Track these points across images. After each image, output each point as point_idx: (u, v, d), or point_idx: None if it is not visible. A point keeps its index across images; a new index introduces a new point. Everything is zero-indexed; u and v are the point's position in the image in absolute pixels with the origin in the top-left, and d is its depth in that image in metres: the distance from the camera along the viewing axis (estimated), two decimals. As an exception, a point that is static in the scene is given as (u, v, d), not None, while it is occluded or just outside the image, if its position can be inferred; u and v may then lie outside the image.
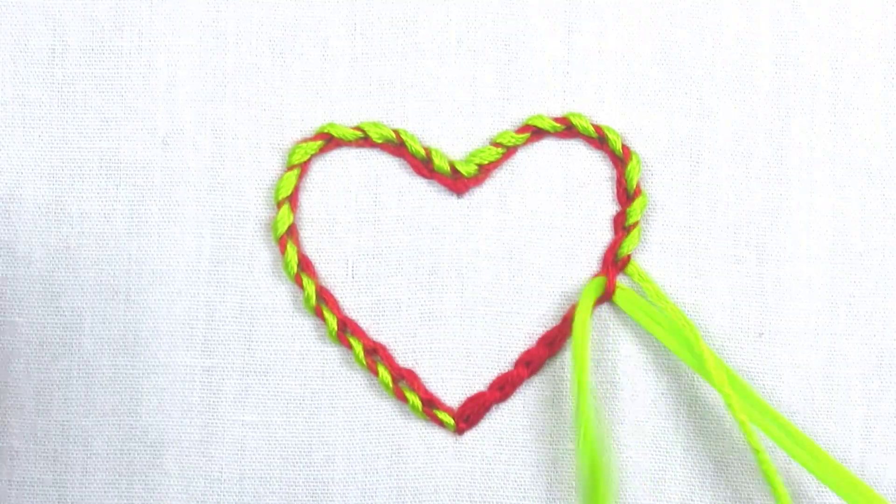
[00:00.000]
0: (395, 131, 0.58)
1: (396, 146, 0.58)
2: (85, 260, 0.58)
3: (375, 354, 0.58)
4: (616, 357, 0.58)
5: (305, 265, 0.58)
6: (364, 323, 0.58)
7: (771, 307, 0.58)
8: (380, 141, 0.58)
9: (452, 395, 0.58)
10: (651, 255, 0.58)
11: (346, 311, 0.58)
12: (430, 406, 0.58)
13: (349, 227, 0.58)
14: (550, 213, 0.58)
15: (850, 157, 0.58)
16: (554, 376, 0.58)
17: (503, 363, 0.58)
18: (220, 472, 0.58)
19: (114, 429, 0.58)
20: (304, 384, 0.58)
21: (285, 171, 0.58)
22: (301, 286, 0.58)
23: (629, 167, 0.58)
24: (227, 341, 0.58)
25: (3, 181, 0.58)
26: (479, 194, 0.58)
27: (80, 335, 0.58)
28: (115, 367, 0.58)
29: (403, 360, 0.58)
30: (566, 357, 0.58)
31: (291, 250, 0.57)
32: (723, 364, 0.56)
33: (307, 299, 0.58)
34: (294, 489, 0.58)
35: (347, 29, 0.58)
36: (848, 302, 0.58)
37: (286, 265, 0.57)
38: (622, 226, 0.58)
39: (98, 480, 0.58)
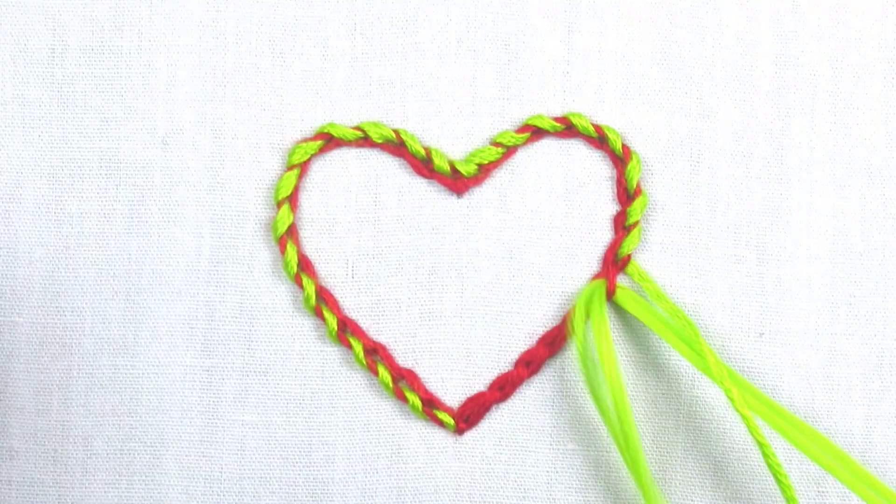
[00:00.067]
0: (395, 131, 0.58)
1: (396, 146, 0.58)
2: (85, 260, 0.58)
3: (375, 354, 0.58)
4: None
5: (305, 265, 0.58)
6: (364, 323, 0.58)
7: (771, 307, 0.58)
8: (380, 141, 0.58)
9: (452, 395, 0.58)
10: (651, 255, 0.58)
11: (346, 311, 0.58)
12: (430, 406, 0.58)
13: (349, 227, 0.58)
14: (550, 213, 0.58)
15: (850, 157, 0.58)
16: (554, 376, 0.58)
17: (503, 363, 0.58)
18: (220, 472, 0.58)
19: (114, 429, 0.58)
20: (304, 384, 0.58)
21: (285, 171, 0.58)
22: (301, 286, 0.58)
23: (629, 167, 0.58)
24: (226, 341, 0.58)
25: (3, 181, 0.58)
26: (479, 194, 0.58)
27: (80, 335, 0.58)
28: (115, 367, 0.58)
29: (403, 360, 0.58)
30: (566, 357, 0.58)
31: (291, 250, 0.57)
32: (723, 363, 0.56)
33: (307, 299, 0.58)
34: (294, 489, 0.58)
35: (347, 29, 0.58)
36: (848, 302, 0.58)
37: (286, 265, 0.57)
38: (622, 225, 0.58)
39: (98, 480, 0.58)
